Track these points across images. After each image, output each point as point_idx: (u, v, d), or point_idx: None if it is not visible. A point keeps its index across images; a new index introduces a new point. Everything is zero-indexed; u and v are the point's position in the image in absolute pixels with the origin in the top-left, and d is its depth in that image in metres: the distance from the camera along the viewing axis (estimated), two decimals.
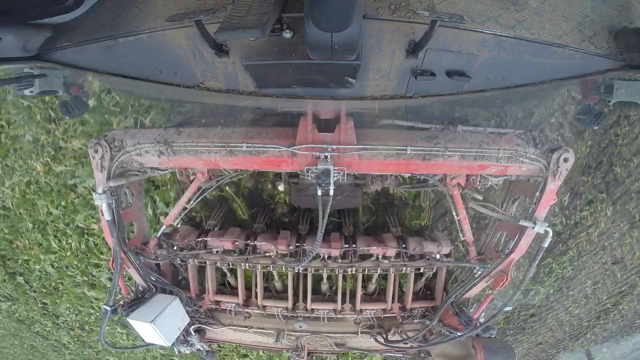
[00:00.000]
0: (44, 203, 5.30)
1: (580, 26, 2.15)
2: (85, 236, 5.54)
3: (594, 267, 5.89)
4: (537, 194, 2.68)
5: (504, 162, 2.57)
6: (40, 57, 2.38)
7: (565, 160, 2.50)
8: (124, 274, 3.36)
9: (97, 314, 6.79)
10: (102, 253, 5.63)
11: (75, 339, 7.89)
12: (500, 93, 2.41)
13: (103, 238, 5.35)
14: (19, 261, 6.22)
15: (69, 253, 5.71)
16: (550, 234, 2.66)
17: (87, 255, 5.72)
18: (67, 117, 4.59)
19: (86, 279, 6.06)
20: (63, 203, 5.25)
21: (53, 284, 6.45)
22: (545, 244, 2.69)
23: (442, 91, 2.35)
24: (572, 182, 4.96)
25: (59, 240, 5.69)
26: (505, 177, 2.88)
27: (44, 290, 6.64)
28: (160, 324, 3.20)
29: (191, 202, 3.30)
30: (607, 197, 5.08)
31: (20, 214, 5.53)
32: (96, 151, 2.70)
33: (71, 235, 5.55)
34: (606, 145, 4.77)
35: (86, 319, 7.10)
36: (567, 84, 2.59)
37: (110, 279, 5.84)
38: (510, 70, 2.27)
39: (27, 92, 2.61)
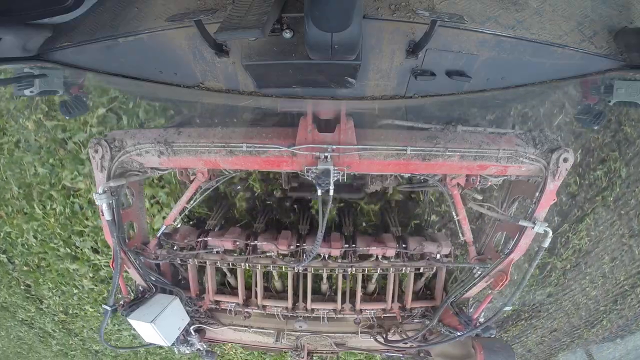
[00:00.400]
0: (31, 160, 5.22)
1: (580, 26, 2.15)
2: (71, 198, 5.41)
3: (612, 240, 5.68)
4: (537, 194, 2.68)
5: (503, 162, 2.57)
6: (40, 57, 2.38)
7: (565, 160, 2.50)
8: (124, 274, 3.36)
9: (80, 293, 6.66)
10: (87, 218, 5.51)
11: (60, 327, 7.78)
12: (500, 93, 2.41)
13: (89, 200, 5.34)
14: (1, 234, 6.11)
15: (52, 220, 5.59)
16: (550, 234, 2.66)
17: (70, 222, 5.61)
18: (67, 117, 4.59)
19: (69, 250, 5.95)
20: (51, 160, 5.18)
21: (36, 260, 6.34)
22: (545, 244, 2.69)
23: (442, 91, 2.34)
24: (582, 139, 4.87)
25: (43, 206, 5.57)
26: (505, 177, 2.88)
27: (26, 269, 6.53)
28: (160, 323, 3.21)
29: (191, 202, 3.30)
30: (620, 157, 4.96)
31: (5, 178, 5.44)
32: (96, 151, 2.70)
33: (56, 199, 5.45)
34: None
35: (69, 300, 6.96)
36: (567, 84, 2.58)
37: (94, 250, 5.75)
38: (510, 70, 2.26)
39: (27, 92, 2.60)
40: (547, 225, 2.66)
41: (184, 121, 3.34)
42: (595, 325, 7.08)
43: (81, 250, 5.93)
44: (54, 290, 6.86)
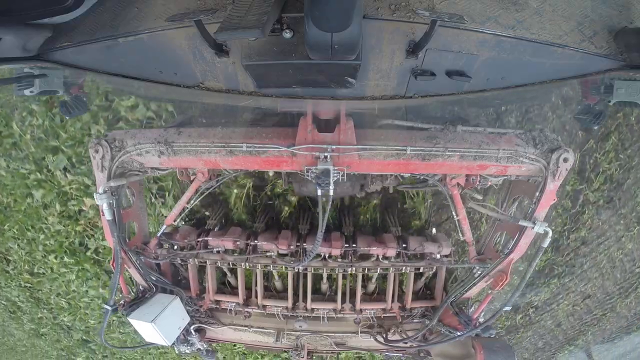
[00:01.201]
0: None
1: (580, 26, 2.15)
2: (54, 110, 4.97)
3: None
4: (537, 194, 2.68)
5: (503, 162, 2.57)
6: (40, 57, 2.38)
7: (565, 160, 2.50)
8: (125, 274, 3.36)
9: (47, 239, 6.16)
10: (66, 131, 5.13)
11: (28, 294, 7.45)
12: (500, 93, 2.41)
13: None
14: None
15: (28, 135, 5.19)
16: (550, 234, 2.66)
17: (47, 139, 5.16)
18: (67, 117, 4.58)
19: (40, 176, 5.48)
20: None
21: (5, 196, 5.93)
22: (545, 244, 2.69)
23: (442, 91, 2.34)
24: None
25: (23, 117, 5.13)
26: (505, 177, 2.88)
27: None
28: (160, 323, 3.21)
29: (191, 201, 3.30)
30: None
31: None
32: (97, 151, 2.71)
33: (37, 112, 5.05)
34: None
35: (35, 253, 6.49)
36: (567, 84, 2.58)
37: (67, 170, 5.38)
38: (510, 70, 2.26)
39: (27, 92, 2.60)
40: (547, 225, 2.66)
41: (185, 121, 3.34)
42: (630, 293, 6.56)
43: (52, 173, 5.47)
44: (19, 241, 6.40)
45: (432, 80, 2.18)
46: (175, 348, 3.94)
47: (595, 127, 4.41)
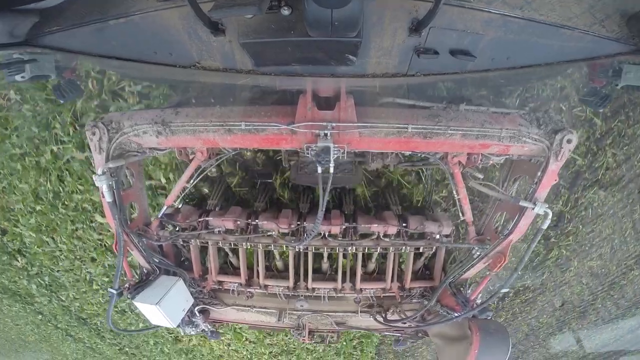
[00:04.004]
0: None
1: (592, 9, 2.08)
2: None
3: None
4: (539, 174, 2.66)
5: (506, 141, 2.55)
6: (28, 43, 2.32)
7: (569, 141, 2.48)
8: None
9: None
10: None
11: None
12: (505, 73, 2.36)
13: None
14: None
15: None
16: (550, 216, 2.67)
17: None
18: (61, 101, 4.51)
19: None
20: None
21: None
22: (545, 226, 2.70)
23: (445, 70, 2.29)
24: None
25: None
26: (507, 157, 2.87)
27: None
28: (165, 305, 3.26)
29: (191, 181, 3.30)
30: None
31: None
32: (93, 133, 2.68)
33: None
34: None
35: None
36: (575, 66, 2.53)
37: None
38: (517, 50, 2.21)
39: (18, 77, 2.54)
40: (547, 206, 2.67)
41: (182, 101, 3.29)
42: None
43: None
44: None
45: (435, 58, 2.13)
46: (181, 329, 4.03)
47: (601, 110, 4.35)
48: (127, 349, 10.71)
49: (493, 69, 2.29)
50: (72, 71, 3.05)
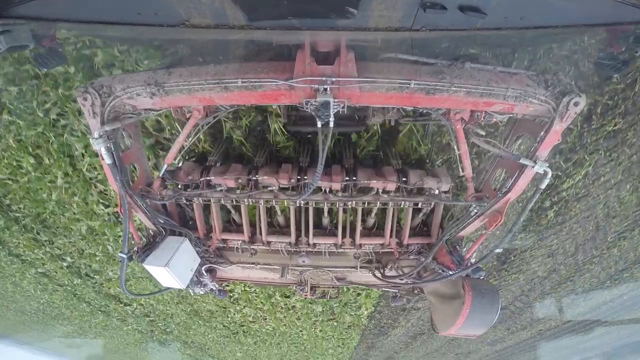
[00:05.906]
0: None
1: None
2: None
3: None
4: (542, 133, 2.63)
5: (511, 100, 2.47)
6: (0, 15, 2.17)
7: (576, 104, 2.39)
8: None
9: None
10: None
11: None
12: (517, 33, 2.21)
13: None
14: None
15: None
16: (549, 175, 2.68)
17: None
18: (44, 70, 4.30)
19: None
20: None
21: None
22: (543, 185, 2.72)
23: (452, 26, 2.17)
24: None
25: None
26: (511, 115, 2.81)
27: None
28: (173, 266, 3.35)
29: (189, 139, 3.25)
30: None
31: None
32: (85, 99, 2.59)
33: None
34: None
35: None
36: (594, 30, 2.37)
37: None
38: (532, 10, 2.06)
39: None
40: (547, 165, 2.66)
41: (174, 62, 3.13)
42: None
43: None
44: None
45: (443, 14, 1.99)
46: (190, 290, 4.18)
47: (615, 75, 4.16)
48: None
49: (504, 27, 2.15)
50: (51, 39, 2.92)
